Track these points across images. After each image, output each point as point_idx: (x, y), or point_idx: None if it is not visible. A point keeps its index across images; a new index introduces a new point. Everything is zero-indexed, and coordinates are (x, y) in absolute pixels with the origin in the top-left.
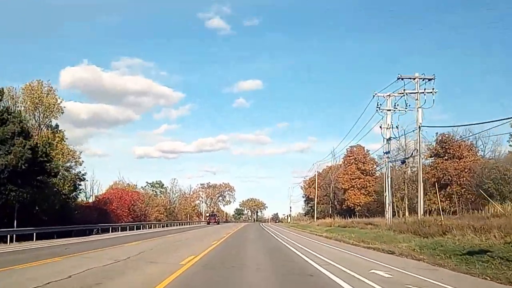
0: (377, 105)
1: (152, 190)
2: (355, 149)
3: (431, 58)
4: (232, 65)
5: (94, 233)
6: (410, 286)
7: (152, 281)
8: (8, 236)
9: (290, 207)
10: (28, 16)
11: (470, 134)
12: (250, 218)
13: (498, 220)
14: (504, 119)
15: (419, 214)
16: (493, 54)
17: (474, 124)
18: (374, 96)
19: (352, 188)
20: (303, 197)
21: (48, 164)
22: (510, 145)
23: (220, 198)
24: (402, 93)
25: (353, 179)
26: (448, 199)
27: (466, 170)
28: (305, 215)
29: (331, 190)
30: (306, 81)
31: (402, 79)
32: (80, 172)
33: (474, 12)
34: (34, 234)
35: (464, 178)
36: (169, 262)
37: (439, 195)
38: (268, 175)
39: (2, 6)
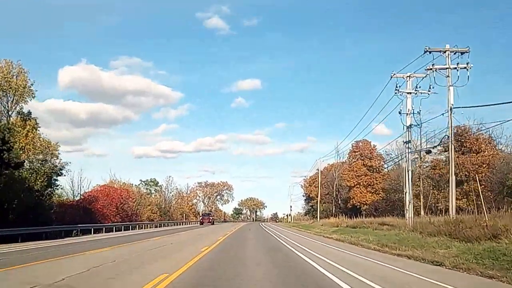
0: (396, 87)
1: (146, 189)
2: (361, 144)
3: None
4: (232, 65)
5: (73, 234)
6: None
7: None
8: None
9: (291, 206)
10: (27, 16)
11: (485, 126)
12: (249, 217)
13: None
14: None
15: (451, 213)
16: (493, 54)
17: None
18: (392, 77)
19: (358, 186)
20: (303, 196)
21: (7, 153)
22: None
23: (218, 197)
24: (431, 69)
25: (359, 176)
26: (464, 197)
27: (484, 165)
28: (305, 215)
29: (335, 188)
30: (305, 81)
31: (430, 52)
32: (57, 166)
33: (474, 12)
34: None
35: (484, 174)
36: None
37: (456, 193)
38: (267, 175)
39: (2, 6)
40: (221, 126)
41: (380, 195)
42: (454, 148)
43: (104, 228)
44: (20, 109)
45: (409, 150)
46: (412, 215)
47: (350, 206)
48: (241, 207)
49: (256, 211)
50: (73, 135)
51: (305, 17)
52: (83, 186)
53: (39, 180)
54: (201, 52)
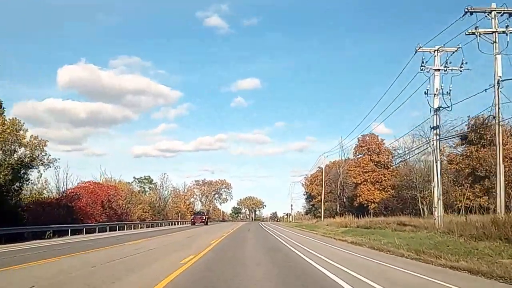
0: (422, 63)
1: (140, 186)
2: (367, 138)
3: None
4: (232, 65)
5: (46, 236)
6: None
7: None
8: None
9: (291, 205)
10: (27, 15)
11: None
12: (248, 217)
13: None
14: None
15: (501, 212)
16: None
17: None
18: (416, 51)
19: (365, 183)
20: (304, 194)
21: None
22: None
23: (216, 195)
24: (473, 33)
25: (366, 172)
26: (485, 194)
27: (507, 159)
28: (306, 214)
29: (339, 185)
30: (305, 81)
31: (471, 13)
32: (26, 156)
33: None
34: None
35: (508, 169)
36: None
37: (474, 190)
38: (266, 174)
39: (2, 6)
40: (221, 125)
41: (389, 192)
42: (472, 141)
43: (84, 229)
44: None
45: (438, 138)
46: (442, 214)
47: (356, 205)
48: (240, 206)
49: (255, 211)
50: (72, 134)
51: (305, 17)
52: (71, 183)
53: (2, 173)
54: (201, 51)
